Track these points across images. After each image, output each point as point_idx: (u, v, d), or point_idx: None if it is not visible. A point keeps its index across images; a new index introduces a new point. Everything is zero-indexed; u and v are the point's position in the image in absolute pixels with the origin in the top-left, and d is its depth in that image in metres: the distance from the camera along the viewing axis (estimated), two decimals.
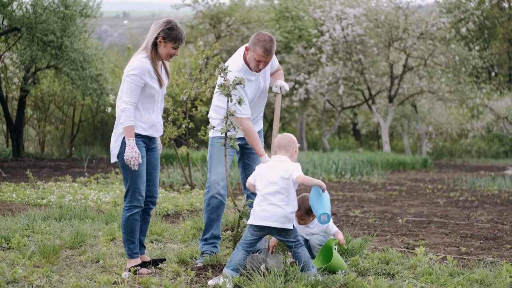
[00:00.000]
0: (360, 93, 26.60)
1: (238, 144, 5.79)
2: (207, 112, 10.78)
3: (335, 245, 5.38)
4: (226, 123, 5.29)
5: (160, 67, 5.23)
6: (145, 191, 5.31)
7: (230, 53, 24.27)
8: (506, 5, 34.73)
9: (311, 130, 34.57)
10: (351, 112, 32.18)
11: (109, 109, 7.95)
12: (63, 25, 17.65)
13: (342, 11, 24.16)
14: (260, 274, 4.77)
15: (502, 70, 35.28)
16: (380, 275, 5.20)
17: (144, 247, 5.43)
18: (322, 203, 4.99)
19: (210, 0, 26.52)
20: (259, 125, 6.04)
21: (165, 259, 5.46)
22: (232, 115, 5.34)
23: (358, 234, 6.95)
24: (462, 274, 5.14)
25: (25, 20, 17.22)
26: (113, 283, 4.73)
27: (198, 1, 26.47)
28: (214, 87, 10.64)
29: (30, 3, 17.70)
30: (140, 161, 5.04)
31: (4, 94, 20.47)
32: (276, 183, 4.92)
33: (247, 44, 5.62)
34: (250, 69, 5.66)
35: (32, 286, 4.64)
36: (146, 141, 5.21)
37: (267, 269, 4.89)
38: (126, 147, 4.99)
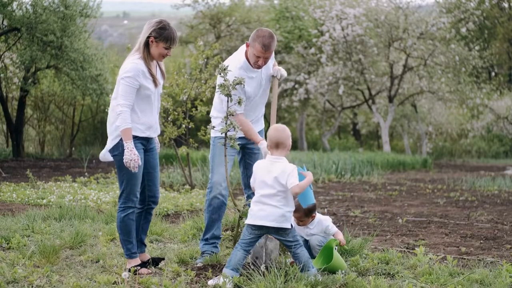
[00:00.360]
0: (360, 93, 26.59)
1: (240, 144, 5.79)
2: (207, 112, 10.78)
3: (336, 245, 5.38)
4: (226, 123, 5.29)
5: (154, 67, 5.22)
6: (147, 191, 5.31)
7: (230, 53, 24.27)
8: (506, 5, 34.73)
9: (311, 130, 34.57)
10: (351, 112, 32.18)
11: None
12: (63, 25, 17.65)
13: (342, 11, 24.15)
14: (260, 274, 4.77)
15: (502, 70, 35.28)
16: (380, 275, 5.20)
17: (145, 245, 5.43)
18: (307, 194, 5.19)
19: (210, 0, 26.53)
20: (261, 124, 6.02)
21: (163, 258, 5.46)
22: (232, 115, 5.33)
23: (358, 234, 6.95)
24: (462, 274, 5.14)
25: (25, 20, 17.22)
26: (113, 283, 4.73)
27: (198, 1, 26.47)
28: (214, 87, 10.65)
29: (30, 3, 17.70)
30: (140, 163, 5.03)
31: (4, 94, 20.47)
32: (273, 186, 4.89)
33: (248, 41, 5.64)
34: (252, 66, 5.66)
35: (32, 286, 4.64)
36: (144, 143, 5.20)
37: (267, 269, 4.89)
38: (125, 150, 4.98)
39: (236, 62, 5.66)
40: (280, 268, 4.85)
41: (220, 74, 5.35)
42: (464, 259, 5.90)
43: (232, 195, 5.52)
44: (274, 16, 26.53)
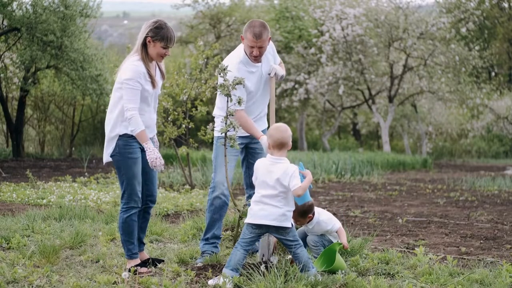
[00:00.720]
0: (360, 93, 26.59)
1: (242, 143, 5.79)
2: (208, 112, 10.77)
3: (339, 248, 5.37)
4: (226, 123, 5.29)
5: (153, 68, 5.22)
6: (144, 190, 5.32)
7: (230, 53, 24.26)
8: (506, 5, 34.73)
9: (311, 130, 34.57)
10: (351, 112, 32.18)
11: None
12: (63, 25, 17.64)
13: (342, 11, 24.15)
14: (260, 274, 4.77)
15: (502, 70, 35.28)
16: (380, 275, 5.20)
17: (144, 244, 5.43)
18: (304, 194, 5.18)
19: (210, 0, 26.53)
20: (264, 123, 6.01)
21: (163, 260, 5.46)
22: (232, 115, 5.33)
23: (358, 234, 6.95)
24: (462, 274, 5.14)
25: (25, 20, 17.22)
26: (113, 283, 4.73)
27: (198, 1, 26.47)
28: (214, 87, 10.65)
29: (30, 3, 17.70)
30: (163, 161, 5.06)
31: (4, 94, 20.47)
32: (274, 187, 4.88)
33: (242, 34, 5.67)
34: (252, 61, 5.69)
35: (32, 286, 4.64)
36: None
37: (267, 269, 4.89)
38: (146, 151, 5.02)
39: (235, 57, 5.69)
40: (280, 268, 4.85)
41: (220, 74, 5.35)
42: (464, 259, 5.90)
43: (232, 195, 5.52)
44: (274, 16, 26.52)
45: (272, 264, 5.02)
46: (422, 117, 28.22)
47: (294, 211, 5.31)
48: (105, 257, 5.53)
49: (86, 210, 7.74)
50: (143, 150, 5.25)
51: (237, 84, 5.33)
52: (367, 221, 8.23)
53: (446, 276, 4.97)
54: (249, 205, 5.06)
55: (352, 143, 32.23)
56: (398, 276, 5.12)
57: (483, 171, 19.31)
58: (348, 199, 10.86)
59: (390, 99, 24.55)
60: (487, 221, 8.40)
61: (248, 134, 5.77)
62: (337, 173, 15.44)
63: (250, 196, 5.75)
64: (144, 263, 5.27)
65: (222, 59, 18.84)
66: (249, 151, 5.92)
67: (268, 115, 5.96)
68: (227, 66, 5.38)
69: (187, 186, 11.07)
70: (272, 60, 5.86)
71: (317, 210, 5.58)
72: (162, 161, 5.04)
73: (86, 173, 13.81)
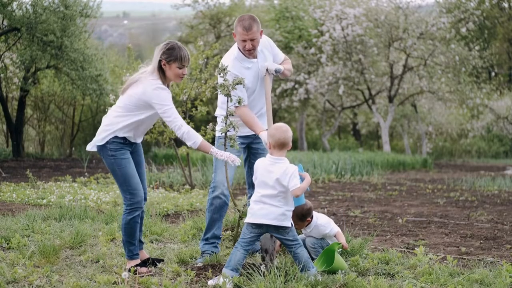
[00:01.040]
0: (360, 93, 26.60)
1: (244, 143, 5.79)
2: (207, 112, 10.76)
3: (339, 249, 5.37)
4: (226, 123, 5.29)
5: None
6: None
7: None
8: (506, 5, 34.73)
9: (311, 130, 34.58)
10: (351, 112, 32.18)
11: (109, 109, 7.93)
12: (63, 25, 17.65)
13: (342, 11, 24.15)
14: (260, 274, 4.77)
15: (502, 70, 35.29)
16: (380, 275, 5.20)
17: (142, 242, 5.43)
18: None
19: (210, 0, 26.53)
20: (264, 122, 6.01)
21: (163, 260, 5.46)
22: (232, 115, 5.33)
23: (358, 234, 6.95)
24: (462, 274, 5.14)
25: (25, 20, 17.23)
26: (113, 283, 4.73)
27: (198, 1, 26.48)
28: (214, 87, 10.66)
29: (30, 3, 17.71)
30: (235, 155, 5.11)
31: (4, 94, 20.47)
32: (274, 187, 4.89)
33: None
34: (246, 56, 5.70)
35: (32, 286, 4.64)
36: (131, 146, 5.21)
37: (267, 269, 4.89)
38: (218, 155, 5.06)
39: (230, 55, 5.73)
40: (280, 268, 4.85)
41: (220, 74, 5.36)
42: (464, 259, 5.90)
43: (232, 195, 5.52)
44: (274, 16, 26.53)
45: (272, 264, 5.02)
46: (422, 117, 28.23)
47: (292, 215, 5.31)
48: (105, 257, 5.53)
49: (86, 210, 7.74)
50: (132, 152, 5.25)
51: (237, 84, 5.32)
52: (367, 221, 8.23)
53: (446, 276, 4.97)
54: (249, 205, 5.06)
55: (352, 143, 32.24)
56: (398, 276, 5.12)
57: (483, 171, 19.31)
58: (348, 199, 10.87)
59: (390, 99, 24.55)
60: (487, 221, 8.40)
61: (250, 134, 5.77)
62: (337, 173, 15.44)
63: (252, 196, 5.75)
64: (144, 263, 5.27)
65: (221, 59, 18.84)
66: (251, 151, 5.92)
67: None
68: (227, 66, 5.38)
69: (187, 186, 11.07)
70: (270, 57, 5.84)
71: (315, 214, 5.58)
72: (233, 157, 5.06)
73: (86, 173, 13.81)
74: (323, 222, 5.56)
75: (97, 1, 19.04)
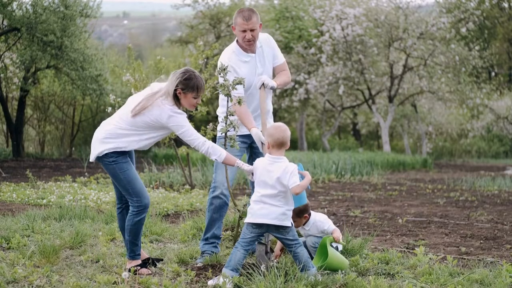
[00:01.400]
0: (360, 93, 26.60)
1: (246, 142, 5.79)
2: (207, 112, 10.76)
3: (331, 242, 5.37)
4: (225, 123, 5.29)
5: None
6: None
7: None
8: (506, 5, 34.74)
9: (311, 130, 34.58)
10: (351, 112, 32.18)
11: (109, 109, 7.93)
12: (63, 25, 17.65)
13: (342, 11, 24.15)
14: (260, 274, 4.77)
15: (502, 70, 35.30)
16: (380, 275, 5.20)
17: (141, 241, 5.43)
18: (301, 195, 5.20)
19: (210, 0, 26.53)
20: (258, 125, 6.00)
21: (162, 259, 5.46)
22: (232, 115, 5.33)
23: (358, 234, 6.95)
24: (462, 274, 5.14)
25: (25, 20, 17.23)
26: (113, 283, 4.73)
27: (198, 1, 26.48)
28: (214, 87, 10.66)
29: (30, 3, 17.72)
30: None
31: (4, 94, 20.48)
32: (274, 187, 4.89)
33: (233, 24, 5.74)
34: (245, 50, 5.72)
35: (32, 286, 4.64)
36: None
37: (267, 269, 4.89)
38: (243, 168, 5.06)
39: (228, 49, 5.78)
40: (280, 268, 4.85)
41: (220, 74, 5.35)
42: (464, 259, 5.90)
43: (232, 195, 5.52)
44: (274, 16, 26.53)
45: (272, 265, 5.02)
46: (422, 117, 28.23)
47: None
48: (105, 257, 5.53)
49: (86, 210, 7.74)
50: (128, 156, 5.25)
51: (237, 84, 5.32)
52: (367, 221, 8.23)
53: (446, 276, 4.97)
54: (249, 204, 5.07)
55: (352, 143, 32.25)
56: (398, 276, 5.12)
57: (483, 171, 19.31)
58: (348, 199, 10.87)
59: (390, 99, 24.55)
60: (487, 221, 8.40)
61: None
62: (337, 173, 15.45)
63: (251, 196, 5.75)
64: (144, 264, 5.27)
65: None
66: (254, 151, 5.92)
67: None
68: (227, 66, 5.38)
69: (187, 186, 11.07)
70: (271, 54, 5.84)
71: (312, 212, 5.59)
72: (249, 168, 5.10)
73: (86, 173, 13.81)
74: (321, 219, 5.57)
75: (97, 1, 19.05)
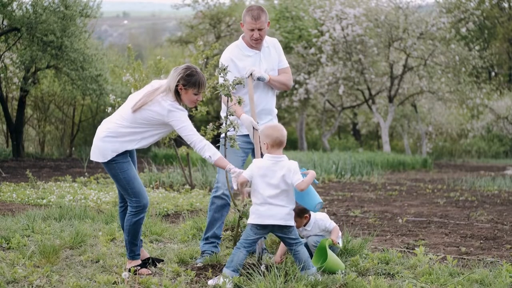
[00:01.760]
0: (360, 93, 26.60)
1: (249, 141, 5.79)
2: (207, 112, 10.75)
3: (329, 244, 5.38)
4: (225, 123, 5.29)
5: None
6: None
7: None
8: (506, 5, 34.74)
9: (311, 130, 34.58)
10: (351, 112, 32.19)
11: (109, 109, 7.94)
12: (63, 25, 17.66)
13: (342, 11, 24.16)
14: (260, 274, 4.77)
15: (502, 70, 35.30)
16: (380, 275, 5.20)
17: (141, 240, 5.43)
18: (312, 194, 5.09)
19: (210, 0, 26.53)
20: (272, 122, 6.00)
21: (162, 260, 5.46)
22: (232, 115, 5.33)
23: (358, 234, 6.95)
24: (462, 274, 5.14)
25: (25, 20, 17.23)
26: (113, 283, 4.73)
27: (198, 1, 26.49)
28: (214, 87, 10.66)
29: (30, 3, 17.72)
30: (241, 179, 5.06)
31: (4, 94, 20.48)
32: (277, 186, 4.89)
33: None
34: (250, 47, 5.75)
35: (32, 286, 4.64)
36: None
37: (267, 269, 4.89)
38: (233, 174, 4.99)
39: (233, 44, 5.83)
40: (280, 268, 4.85)
41: (220, 74, 5.36)
42: (464, 259, 5.90)
43: (232, 195, 5.52)
44: (274, 16, 26.53)
45: (272, 265, 5.02)
46: (422, 117, 28.23)
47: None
48: (105, 257, 5.53)
49: (86, 210, 7.74)
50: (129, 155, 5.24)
51: (237, 84, 5.32)
52: (367, 221, 8.23)
53: (446, 276, 4.97)
54: (249, 205, 5.06)
55: (352, 143, 32.25)
56: (398, 276, 5.12)
57: (483, 171, 19.31)
58: (348, 199, 10.87)
59: (390, 99, 24.55)
60: (487, 221, 8.40)
61: None
62: (337, 173, 15.45)
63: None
64: (144, 264, 5.27)
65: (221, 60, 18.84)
66: None
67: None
68: (227, 66, 5.39)
69: (187, 186, 11.07)
70: (276, 56, 5.86)
71: (312, 213, 5.59)
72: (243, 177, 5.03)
73: (86, 173, 13.81)
74: (321, 217, 5.58)
75: (97, 1, 19.05)
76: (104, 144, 5.05)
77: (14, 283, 4.71)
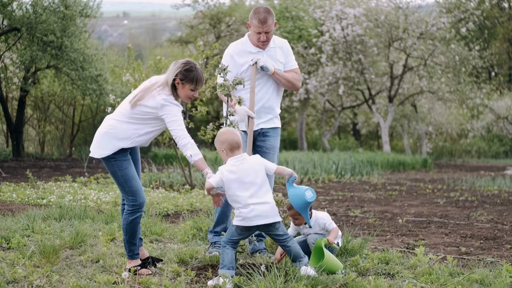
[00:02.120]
0: (360, 93, 26.60)
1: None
2: (207, 112, 10.75)
3: (325, 244, 5.38)
4: (225, 123, 5.29)
5: None
6: None
7: None
8: (506, 5, 34.74)
9: (311, 130, 34.58)
10: (351, 112, 32.18)
11: (109, 109, 7.94)
12: (63, 25, 17.66)
13: (342, 11, 24.16)
14: (260, 274, 4.77)
15: (502, 70, 35.30)
16: (380, 275, 5.20)
17: (141, 239, 5.42)
18: (299, 188, 5.11)
19: (210, 0, 26.53)
20: (272, 121, 6.02)
21: (162, 260, 5.47)
22: (232, 115, 5.33)
23: (358, 234, 6.95)
24: (462, 274, 5.14)
25: (25, 20, 17.23)
26: (113, 283, 4.73)
27: (198, 1, 26.48)
28: (214, 87, 10.66)
29: (30, 3, 17.72)
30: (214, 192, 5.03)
31: (4, 94, 20.48)
32: (253, 183, 4.88)
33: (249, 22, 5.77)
34: (254, 45, 5.77)
35: (32, 286, 4.64)
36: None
37: (267, 269, 4.89)
38: (208, 176, 4.94)
39: (238, 40, 5.87)
40: (280, 268, 4.85)
41: (219, 74, 5.36)
42: (464, 259, 5.90)
43: None
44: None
45: (271, 265, 5.02)
46: (422, 117, 28.23)
47: (292, 209, 5.33)
48: (105, 257, 5.53)
49: (86, 210, 7.73)
50: (130, 153, 5.23)
51: (237, 84, 5.32)
52: (367, 221, 8.23)
53: (446, 276, 4.96)
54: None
55: (352, 143, 32.25)
56: (398, 276, 5.12)
57: (483, 171, 19.31)
58: (348, 199, 10.87)
59: (390, 99, 24.55)
60: (487, 221, 8.40)
61: (254, 129, 5.78)
62: (337, 173, 15.45)
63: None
64: (144, 264, 5.27)
65: (221, 59, 18.85)
66: (257, 150, 5.92)
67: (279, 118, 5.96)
68: (227, 66, 5.39)
69: (187, 186, 11.07)
70: (282, 58, 5.86)
71: (314, 211, 5.59)
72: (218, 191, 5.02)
73: (86, 173, 13.81)
74: (322, 216, 5.59)
75: (97, 1, 19.05)
76: (102, 140, 5.07)
77: (14, 283, 4.71)
